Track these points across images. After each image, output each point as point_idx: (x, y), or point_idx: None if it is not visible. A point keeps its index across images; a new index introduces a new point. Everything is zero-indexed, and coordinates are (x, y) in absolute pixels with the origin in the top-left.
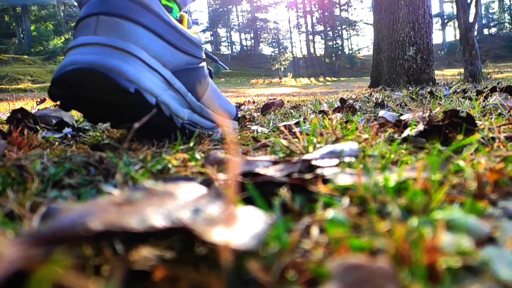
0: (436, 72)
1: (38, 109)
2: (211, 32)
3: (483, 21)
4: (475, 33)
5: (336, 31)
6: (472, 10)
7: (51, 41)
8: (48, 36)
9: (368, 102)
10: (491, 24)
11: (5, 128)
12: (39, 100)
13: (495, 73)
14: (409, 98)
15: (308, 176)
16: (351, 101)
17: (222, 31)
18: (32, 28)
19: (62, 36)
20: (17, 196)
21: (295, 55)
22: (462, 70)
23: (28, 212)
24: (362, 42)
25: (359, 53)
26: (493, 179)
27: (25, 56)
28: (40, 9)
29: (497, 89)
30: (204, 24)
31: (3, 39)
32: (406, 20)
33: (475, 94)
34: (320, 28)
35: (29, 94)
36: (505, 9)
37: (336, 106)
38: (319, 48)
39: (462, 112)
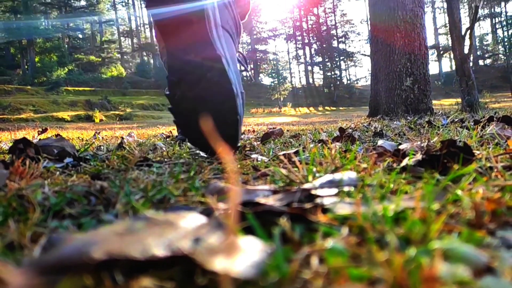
0: (434, 102)
1: (40, 139)
2: None
3: (478, 53)
4: (471, 64)
5: (334, 62)
6: (467, 42)
7: (55, 72)
8: (52, 67)
9: (367, 132)
10: (486, 56)
11: (7, 157)
12: (41, 129)
13: (492, 102)
14: (408, 128)
15: (307, 205)
16: (350, 130)
17: None
18: (36, 59)
19: (65, 67)
20: (18, 226)
21: (294, 85)
22: (459, 100)
23: (29, 242)
24: (360, 72)
25: (357, 83)
26: (491, 208)
27: (28, 87)
28: (45, 41)
29: (494, 118)
30: None
31: (8, 70)
32: (402, 51)
33: (472, 123)
34: (318, 59)
35: (31, 123)
36: (499, 41)
37: (335, 135)
38: (318, 78)
39: (460, 141)
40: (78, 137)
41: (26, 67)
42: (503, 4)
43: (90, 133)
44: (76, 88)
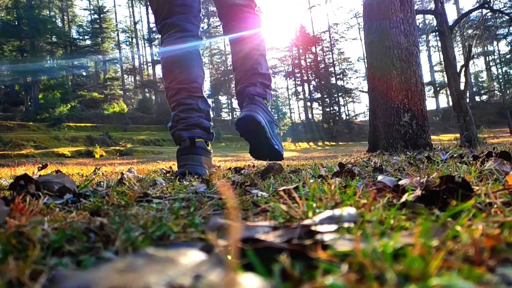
0: (433, 137)
1: (39, 175)
2: (213, 99)
3: (474, 89)
4: (467, 100)
5: (333, 98)
6: (462, 79)
7: (57, 109)
8: (55, 103)
9: (367, 167)
10: (482, 92)
11: (7, 194)
12: (41, 165)
13: (490, 138)
14: (407, 163)
15: (307, 242)
16: (349, 165)
17: (223, 98)
18: (40, 96)
19: (68, 104)
20: (17, 264)
21: (294, 121)
22: (458, 135)
23: (28, 280)
24: (358, 108)
25: (356, 118)
26: (490, 245)
27: (31, 123)
28: (49, 79)
29: (493, 154)
30: (206, 91)
31: (12, 106)
32: (399, 88)
33: (471, 159)
34: (317, 95)
35: (31, 159)
36: (493, 78)
37: (335, 170)
38: (317, 114)
39: (458, 177)
40: (78, 173)
41: (29, 103)
42: (495, 42)
43: (90, 169)
44: (78, 124)
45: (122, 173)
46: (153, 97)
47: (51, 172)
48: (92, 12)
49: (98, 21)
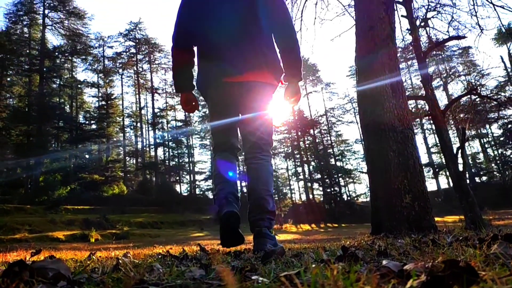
0: (437, 218)
1: (32, 261)
2: (212, 180)
3: (473, 170)
4: (468, 181)
5: (333, 179)
6: (460, 160)
7: (57, 191)
8: (55, 186)
9: (371, 250)
10: (481, 173)
11: None
12: (34, 251)
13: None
14: (412, 246)
15: None
16: (353, 249)
17: None
18: (40, 178)
19: (68, 186)
20: None
21: (294, 201)
22: (462, 217)
23: None
24: (359, 188)
25: (357, 199)
26: None
27: (28, 206)
28: (52, 161)
29: (499, 237)
30: (206, 173)
31: (11, 189)
32: (398, 169)
33: (477, 242)
34: (317, 176)
35: (24, 244)
36: (491, 159)
37: (338, 254)
38: (318, 194)
39: (464, 262)
40: (72, 258)
41: (29, 186)
42: (488, 125)
43: (84, 254)
44: (76, 207)
45: (118, 258)
46: (154, 179)
47: (45, 258)
48: (100, 99)
49: (105, 107)
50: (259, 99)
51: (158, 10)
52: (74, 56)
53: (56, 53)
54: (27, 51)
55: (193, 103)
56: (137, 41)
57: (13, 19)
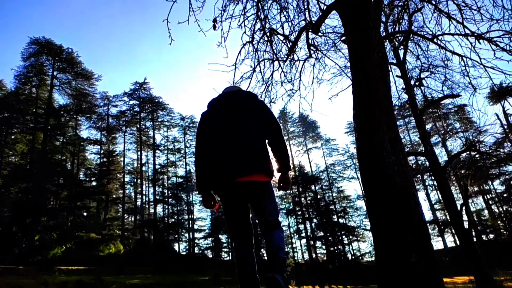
0: (446, 279)
1: None
2: (212, 238)
3: (479, 227)
4: (474, 239)
5: (336, 237)
6: (465, 217)
7: (52, 251)
8: (51, 245)
9: None
10: (488, 231)
11: None
12: None
13: (507, 280)
14: None
15: None
16: None
17: (223, 237)
18: (36, 237)
19: (64, 246)
20: None
21: (297, 260)
22: (472, 278)
23: None
24: (364, 247)
25: (362, 258)
26: None
27: (21, 267)
28: (49, 219)
29: None
30: (205, 230)
31: (4, 248)
32: (401, 227)
33: None
34: (320, 233)
35: None
36: (496, 216)
37: None
38: (321, 253)
39: None
40: None
41: (23, 245)
42: (490, 182)
43: None
44: (70, 267)
45: None
46: (152, 237)
47: None
48: (102, 155)
49: (106, 163)
50: (267, 196)
51: (164, 69)
52: (79, 115)
53: (62, 112)
54: (34, 110)
55: (212, 202)
56: (141, 99)
57: (23, 80)
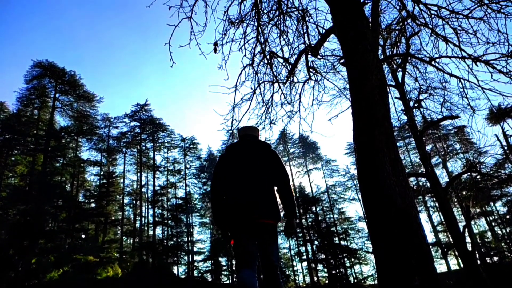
0: None
1: None
2: (212, 261)
3: (482, 250)
4: (478, 262)
5: (338, 259)
6: (468, 239)
7: (48, 274)
8: (47, 268)
9: None
10: (492, 253)
11: None
12: None
13: None
14: None
15: None
16: None
17: (223, 260)
18: (33, 260)
19: (61, 269)
20: None
21: (298, 284)
22: None
23: None
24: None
25: (364, 282)
26: None
27: None
28: (47, 242)
29: None
30: (205, 253)
31: (0, 272)
32: (403, 249)
33: None
34: (321, 256)
35: None
36: (499, 238)
37: None
38: (323, 276)
39: None
40: None
41: (20, 268)
42: (492, 203)
43: None
44: None
45: None
46: (150, 260)
47: None
48: (102, 177)
49: (106, 185)
50: (275, 239)
51: (165, 91)
52: (80, 136)
53: (63, 133)
54: (35, 131)
55: (229, 233)
56: (142, 121)
57: (25, 102)
